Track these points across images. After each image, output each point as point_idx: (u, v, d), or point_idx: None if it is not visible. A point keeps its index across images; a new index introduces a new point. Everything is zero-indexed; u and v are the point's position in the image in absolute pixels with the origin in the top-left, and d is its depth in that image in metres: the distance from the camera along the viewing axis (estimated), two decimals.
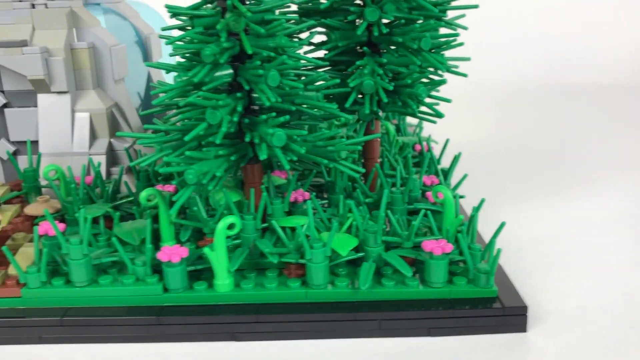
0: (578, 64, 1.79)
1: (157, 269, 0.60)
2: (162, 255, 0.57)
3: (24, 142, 0.83)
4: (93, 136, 0.84)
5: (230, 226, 0.58)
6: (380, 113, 0.72)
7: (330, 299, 0.58)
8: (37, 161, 0.78)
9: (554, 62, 1.79)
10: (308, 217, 0.59)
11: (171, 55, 0.64)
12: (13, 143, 0.84)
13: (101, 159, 0.83)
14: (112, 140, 0.85)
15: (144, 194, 0.62)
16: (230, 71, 0.62)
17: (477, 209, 0.65)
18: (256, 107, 0.64)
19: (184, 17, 0.61)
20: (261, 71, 0.57)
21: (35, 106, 0.83)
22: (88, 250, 0.58)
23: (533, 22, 1.91)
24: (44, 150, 0.82)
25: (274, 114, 0.60)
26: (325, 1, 0.66)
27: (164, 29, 0.64)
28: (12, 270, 0.60)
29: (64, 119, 0.82)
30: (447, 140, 0.85)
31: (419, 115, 0.71)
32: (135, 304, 0.58)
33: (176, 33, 0.62)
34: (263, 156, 0.58)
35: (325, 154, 0.62)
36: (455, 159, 0.79)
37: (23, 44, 0.79)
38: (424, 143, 0.86)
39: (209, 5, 0.62)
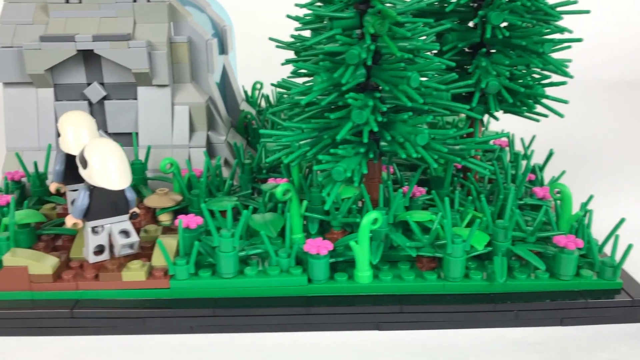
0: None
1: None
2: (310, 248, 0.60)
3: (121, 134, 0.85)
4: (191, 129, 0.85)
5: (374, 221, 0.60)
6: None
7: (467, 291, 0.61)
8: (147, 154, 0.80)
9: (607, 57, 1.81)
10: (445, 212, 0.62)
11: (302, 56, 0.66)
12: (110, 135, 0.85)
13: (201, 152, 0.85)
14: (209, 133, 0.86)
15: (280, 189, 0.65)
16: (364, 71, 0.64)
17: (585, 205, 0.68)
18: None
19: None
20: (406, 73, 0.60)
21: (134, 99, 0.84)
22: (238, 243, 0.61)
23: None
24: (142, 143, 0.83)
25: (410, 113, 0.62)
26: (452, 1, 0.69)
27: (297, 29, 0.66)
28: (156, 262, 0.62)
29: (164, 112, 0.84)
30: (533, 137, 0.88)
31: (527, 115, 0.73)
32: (281, 295, 0.61)
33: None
34: (412, 154, 0.60)
35: (456, 152, 0.64)
36: (550, 154, 0.82)
37: (128, 37, 0.80)
38: (504, 139, 0.89)
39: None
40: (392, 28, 0.61)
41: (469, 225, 0.67)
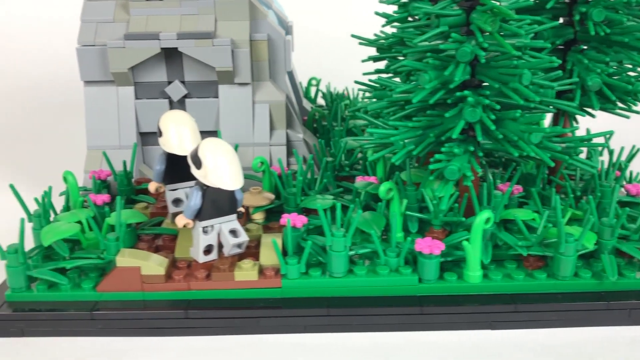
0: None
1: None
2: (423, 248, 0.60)
3: (201, 133, 0.84)
4: (271, 127, 0.85)
5: (487, 220, 0.60)
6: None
7: (578, 290, 0.61)
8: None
9: None
10: (557, 212, 0.62)
11: (405, 53, 0.66)
12: None
13: (281, 150, 0.85)
14: (287, 130, 0.86)
15: (383, 188, 0.64)
16: (469, 69, 0.63)
17: None
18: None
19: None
20: (517, 70, 0.59)
21: (215, 97, 0.84)
22: (350, 243, 0.60)
23: None
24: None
25: (519, 111, 0.62)
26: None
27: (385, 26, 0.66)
28: (264, 261, 0.62)
29: (245, 110, 0.84)
30: (611, 132, 0.88)
31: (618, 112, 0.73)
32: (391, 294, 0.61)
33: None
34: (530, 153, 0.60)
35: (563, 150, 0.64)
36: (636, 151, 0.82)
37: (211, 35, 0.79)
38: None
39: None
40: (502, 25, 0.61)
41: (568, 223, 0.67)
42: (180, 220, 0.60)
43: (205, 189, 0.59)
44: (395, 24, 0.79)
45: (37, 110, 1.34)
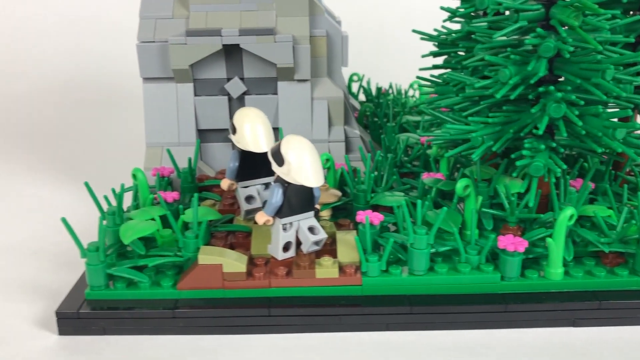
0: None
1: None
2: (506, 245, 0.59)
3: None
4: (329, 123, 0.84)
5: (570, 217, 0.60)
6: None
7: None
8: None
9: None
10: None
11: (483, 48, 0.65)
12: None
13: (340, 147, 0.84)
14: (345, 127, 0.86)
15: (460, 184, 0.64)
16: (547, 64, 0.63)
17: None
18: None
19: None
20: (600, 65, 0.59)
21: (274, 94, 0.83)
22: (432, 240, 0.60)
23: None
24: None
25: (599, 107, 0.61)
26: None
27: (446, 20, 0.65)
28: (343, 258, 0.62)
29: (304, 106, 0.83)
30: None
31: None
32: (472, 292, 0.60)
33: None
34: (617, 149, 0.59)
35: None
36: None
37: (273, 31, 0.79)
38: None
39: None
40: (583, 20, 0.60)
41: None
42: (261, 218, 0.60)
43: (287, 186, 0.59)
44: (457, 19, 0.79)
45: (89, 108, 1.34)
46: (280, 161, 0.58)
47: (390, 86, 1.15)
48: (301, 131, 0.83)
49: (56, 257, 0.74)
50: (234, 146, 0.67)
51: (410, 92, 1.15)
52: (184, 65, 0.79)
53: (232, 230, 0.67)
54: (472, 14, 0.76)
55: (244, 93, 0.83)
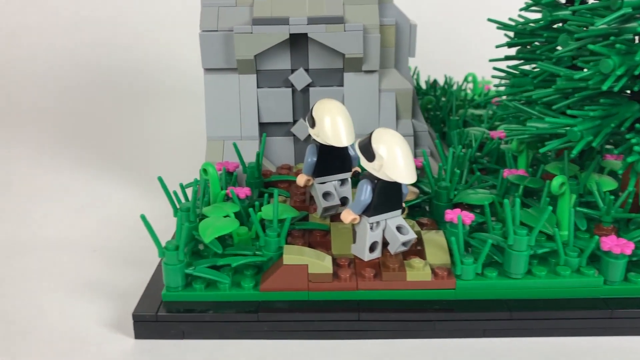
0: None
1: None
2: (612, 247, 0.55)
3: None
4: (397, 117, 0.81)
5: None
6: None
7: None
8: None
9: None
10: None
11: (578, 37, 0.61)
12: None
13: (408, 141, 0.80)
14: (413, 121, 0.82)
15: (556, 182, 0.60)
16: None
17: None
18: None
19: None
20: None
21: (339, 85, 0.80)
22: (533, 242, 0.56)
23: None
24: None
25: None
26: None
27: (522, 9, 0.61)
28: (432, 260, 0.58)
29: (371, 99, 0.79)
30: None
31: None
32: (573, 296, 0.56)
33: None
34: None
35: None
36: None
37: (342, 20, 0.75)
38: None
39: None
40: None
41: None
42: (347, 216, 0.56)
43: (377, 183, 0.55)
44: (534, 8, 0.75)
45: (143, 101, 1.30)
46: (370, 156, 0.55)
47: (447, 80, 1.11)
48: (367, 124, 0.80)
49: (118, 255, 0.71)
50: (311, 140, 0.63)
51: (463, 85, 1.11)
52: (249, 56, 0.76)
53: (310, 229, 0.64)
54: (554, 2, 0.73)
55: (308, 85, 0.79)
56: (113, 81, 1.35)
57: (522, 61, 0.78)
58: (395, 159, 0.54)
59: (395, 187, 0.57)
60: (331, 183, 0.65)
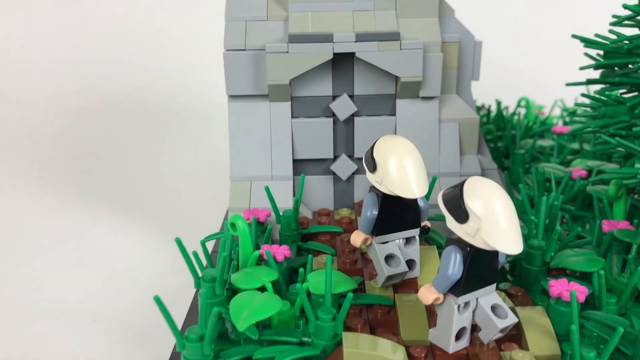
0: None
1: None
2: None
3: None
4: (460, 152, 0.67)
5: None
6: None
7: None
8: (431, 185, 0.61)
9: None
10: None
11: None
12: (356, 160, 0.67)
13: None
14: (479, 156, 0.68)
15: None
16: None
17: None
18: None
19: None
20: None
21: (391, 114, 0.66)
22: None
23: None
24: None
25: None
26: None
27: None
28: (535, 350, 0.44)
29: (430, 130, 0.66)
30: None
31: None
32: None
33: None
34: None
35: None
36: None
37: (398, 36, 0.62)
38: None
39: None
40: None
41: None
42: (429, 295, 0.42)
43: (469, 251, 0.42)
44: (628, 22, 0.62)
45: (156, 128, 1.14)
46: (462, 216, 0.41)
47: (499, 104, 0.98)
48: (426, 161, 0.66)
49: (123, 328, 0.57)
50: (370, 188, 0.50)
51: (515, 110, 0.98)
52: (284, 80, 0.62)
53: (369, 304, 0.50)
54: None
55: (353, 114, 0.66)
56: (120, 106, 1.21)
57: (607, 85, 0.65)
58: (497, 221, 0.40)
59: (491, 255, 0.43)
60: (395, 242, 0.51)
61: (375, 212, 0.49)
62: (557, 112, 1.12)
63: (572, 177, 0.69)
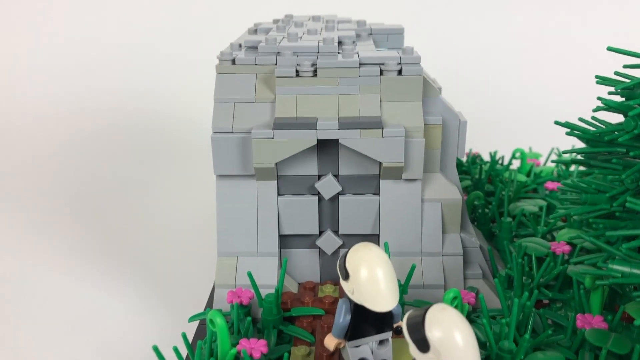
0: None
1: None
2: None
3: (353, 236, 0.68)
4: (442, 231, 0.68)
5: None
6: None
7: None
8: (410, 271, 0.63)
9: None
10: None
11: None
12: (341, 236, 0.69)
13: (457, 262, 0.68)
14: (461, 234, 0.69)
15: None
16: None
17: None
18: None
19: None
20: None
21: (374, 194, 0.67)
22: None
23: None
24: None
25: None
26: None
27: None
28: None
29: (413, 210, 0.67)
30: None
31: None
32: None
33: None
34: None
35: None
36: None
37: (380, 123, 0.63)
38: None
39: None
40: None
41: None
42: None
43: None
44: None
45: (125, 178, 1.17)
46: (424, 347, 0.43)
47: (493, 157, 0.98)
48: (408, 241, 0.67)
49: None
50: (343, 294, 0.51)
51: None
52: (270, 163, 0.64)
53: None
54: None
55: (338, 193, 0.67)
56: (116, 147, 1.25)
57: (593, 172, 0.66)
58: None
59: None
60: (367, 345, 0.53)
61: (349, 318, 0.51)
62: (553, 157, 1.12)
63: (554, 252, 0.70)
